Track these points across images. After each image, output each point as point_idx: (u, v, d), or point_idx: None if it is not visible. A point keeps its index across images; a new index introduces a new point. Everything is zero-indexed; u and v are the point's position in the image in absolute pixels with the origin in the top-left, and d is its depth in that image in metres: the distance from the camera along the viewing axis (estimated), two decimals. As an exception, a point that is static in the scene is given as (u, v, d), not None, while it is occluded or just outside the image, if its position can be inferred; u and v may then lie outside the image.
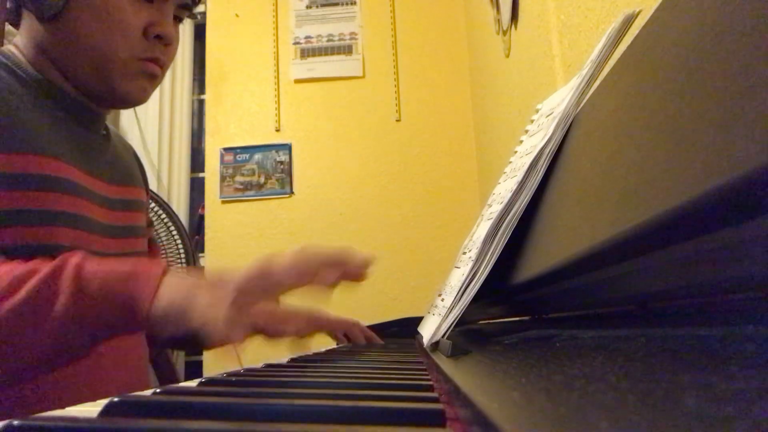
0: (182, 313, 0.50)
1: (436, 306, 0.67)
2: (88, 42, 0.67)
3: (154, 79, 0.72)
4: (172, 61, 0.74)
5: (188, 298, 0.51)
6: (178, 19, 0.75)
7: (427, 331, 0.61)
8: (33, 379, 0.53)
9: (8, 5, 0.69)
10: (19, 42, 0.69)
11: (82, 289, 0.50)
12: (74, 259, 0.52)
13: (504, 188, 0.54)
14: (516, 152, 0.58)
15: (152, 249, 0.90)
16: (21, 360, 0.49)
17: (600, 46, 0.48)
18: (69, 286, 0.50)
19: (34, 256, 0.60)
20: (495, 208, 0.49)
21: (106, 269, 0.52)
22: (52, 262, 0.52)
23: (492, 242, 0.44)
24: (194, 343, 0.57)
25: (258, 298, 0.53)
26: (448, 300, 0.49)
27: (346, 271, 0.55)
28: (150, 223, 0.92)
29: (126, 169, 0.81)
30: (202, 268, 0.60)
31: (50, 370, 0.52)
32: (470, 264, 0.45)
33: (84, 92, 0.71)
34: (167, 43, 0.71)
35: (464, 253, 0.60)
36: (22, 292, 0.48)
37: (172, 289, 0.52)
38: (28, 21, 0.68)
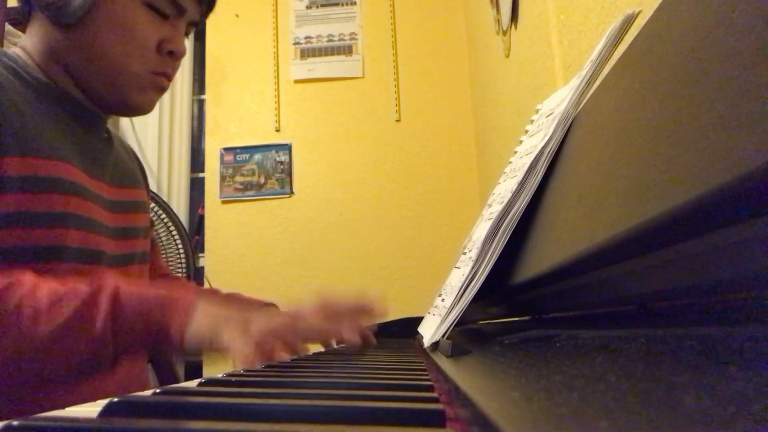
0: (208, 342, 0.56)
1: (436, 306, 0.67)
2: (103, 53, 0.68)
3: (162, 91, 0.75)
4: (176, 72, 0.76)
5: (216, 332, 0.56)
6: (185, 33, 0.76)
7: (427, 331, 0.61)
8: (61, 384, 0.57)
9: (18, 6, 0.70)
10: (27, 44, 0.70)
11: (120, 312, 0.55)
12: (111, 282, 0.57)
13: (504, 188, 0.54)
14: (516, 152, 0.58)
15: (153, 249, 0.90)
16: (59, 370, 0.54)
17: (600, 46, 0.48)
18: (107, 309, 0.54)
19: (42, 258, 0.61)
20: (495, 209, 0.49)
21: (141, 294, 0.57)
22: (89, 284, 0.56)
23: (492, 242, 0.44)
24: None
25: (278, 343, 0.58)
26: (448, 300, 0.49)
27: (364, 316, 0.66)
28: (151, 224, 0.92)
29: (128, 171, 0.82)
30: (229, 294, 0.74)
31: (79, 380, 0.56)
32: (470, 264, 0.45)
33: (93, 99, 0.72)
34: (178, 58, 0.74)
35: (464, 253, 0.60)
36: (65, 312, 0.53)
37: (202, 319, 0.57)
38: (40, 25, 0.68)
